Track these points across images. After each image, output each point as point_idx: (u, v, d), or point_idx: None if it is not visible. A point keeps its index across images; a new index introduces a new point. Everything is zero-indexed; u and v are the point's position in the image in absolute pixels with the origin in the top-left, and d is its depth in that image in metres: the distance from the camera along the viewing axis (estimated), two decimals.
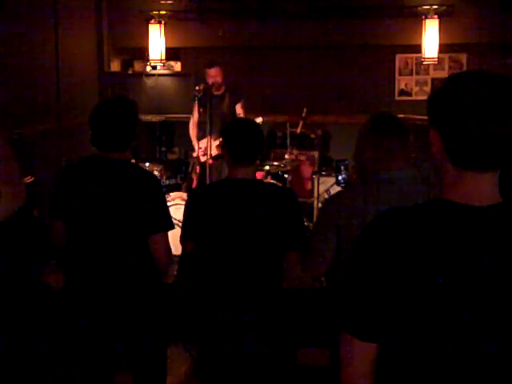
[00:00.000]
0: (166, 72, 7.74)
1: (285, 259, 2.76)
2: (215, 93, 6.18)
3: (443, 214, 1.32)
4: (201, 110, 6.17)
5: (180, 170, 6.88)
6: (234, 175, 2.80)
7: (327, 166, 7.21)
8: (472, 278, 1.27)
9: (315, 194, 6.35)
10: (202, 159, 6.14)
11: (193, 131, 6.39)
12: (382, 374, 1.39)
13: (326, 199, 2.89)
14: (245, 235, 2.70)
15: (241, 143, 2.77)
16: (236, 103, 6.23)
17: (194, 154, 6.32)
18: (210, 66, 6.17)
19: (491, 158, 1.29)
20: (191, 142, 6.45)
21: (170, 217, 2.79)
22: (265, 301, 2.74)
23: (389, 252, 1.32)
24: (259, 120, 6.18)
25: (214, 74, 6.13)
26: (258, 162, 2.84)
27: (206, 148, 5.74)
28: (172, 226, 2.79)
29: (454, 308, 1.28)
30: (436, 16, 7.19)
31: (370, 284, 1.34)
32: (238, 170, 2.78)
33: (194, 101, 6.10)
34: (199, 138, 6.24)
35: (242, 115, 6.18)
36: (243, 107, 6.24)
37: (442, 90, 1.33)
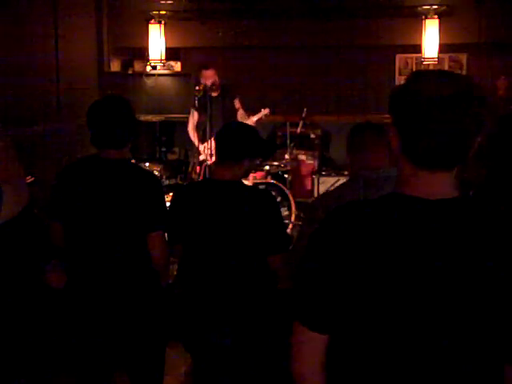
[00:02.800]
0: (166, 72, 7.74)
1: (269, 263, 2.75)
2: (213, 94, 6.18)
3: (395, 207, 1.35)
4: (195, 112, 6.15)
5: (180, 169, 6.88)
6: (215, 175, 2.81)
7: (327, 166, 7.22)
8: (420, 269, 1.29)
9: (315, 194, 6.35)
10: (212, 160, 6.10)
11: (193, 134, 6.33)
12: (334, 369, 1.40)
13: (312, 200, 2.93)
14: (222, 236, 2.69)
15: (221, 143, 2.78)
16: (233, 99, 6.21)
17: (201, 157, 6.21)
18: (207, 68, 6.15)
19: (445, 157, 1.31)
20: (192, 143, 6.43)
21: (167, 217, 2.79)
22: (251, 301, 2.74)
23: (344, 244, 1.34)
24: (266, 111, 6.17)
25: (211, 75, 6.12)
26: (244, 163, 2.80)
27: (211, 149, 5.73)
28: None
29: (403, 300, 1.30)
30: (436, 16, 7.21)
31: (323, 274, 1.36)
32: (219, 169, 2.79)
33: (195, 101, 6.10)
34: (203, 141, 6.11)
35: (240, 110, 6.18)
36: (240, 101, 6.24)
37: (401, 90, 1.35)
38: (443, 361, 1.31)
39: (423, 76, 1.36)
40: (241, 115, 6.16)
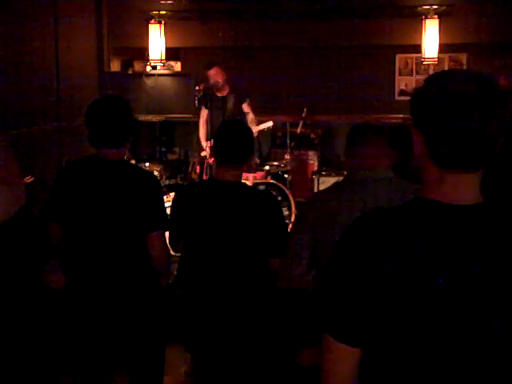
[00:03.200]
0: (165, 72, 7.74)
1: (270, 264, 2.76)
2: (219, 94, 6.18)
3: (425, 214, 1.31)
4: (206, 110, 6.18)
5: (180, 169, 6.88)
6: (219, 176, 2.80)
7: (327, 166, 7.22)
8: (455, 277, 1.26)
9: None
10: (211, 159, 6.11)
11: (202, 130, 6.35)
12: (366, 381, 1.36)
13: (306, 199, 2.95)
14: (225, 237, 2.70)
15: (225, 144, 2.77)
16: (242, 103, 6.22)
17: (203, 154, 6.24)
18: (209, 67, 6.17)
19: (472, 158, 1.28)
20: (193, 141, 6.45)
21: (166, 217, 2.79)
22: (251, 302, 2.74)
23: (372, 252, 1.30)
24: (270, 124, 6.19)
25: (213, 74, 6.13)
26: (246, 164, 2.81)
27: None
28: (169, 226, 2.80)
29: (439, 309, 1.26)
30: (436, 16, 7.20)
31: (354, 285, 1.31)
32: (222, 171, 2.78)
33: (195, 101, 6.11)
34: (208, 138, 6.12)
35: (250, 114, 6.18)
36: (250, 105, 6.24)
37: (424, 90, 1.32)
38: (482, 374, 1.28)
39: (446, 75, 1.32)
40: (250, 120, 6.13)
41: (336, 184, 2.73)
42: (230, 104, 6.22)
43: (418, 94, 1.34)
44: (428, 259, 1.27)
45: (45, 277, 2.59)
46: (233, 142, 2.76)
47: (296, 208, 6.08)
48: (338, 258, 1.36)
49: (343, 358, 1.35)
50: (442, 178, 1.31)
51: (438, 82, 1.31)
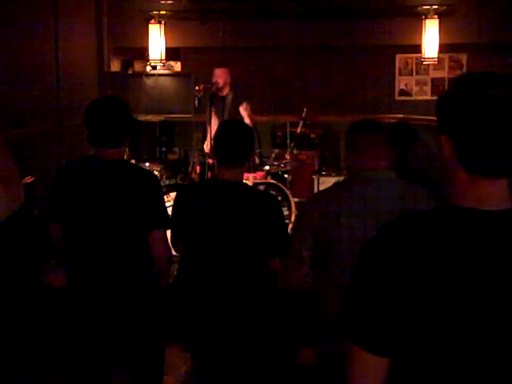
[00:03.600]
0: (165, 72, 7.74)
1: (270, 264, 2.76)
2: (219, 94, 6.18)
3: (456, 221, 1.27)
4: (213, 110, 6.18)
5: (180, 169, 6.88)
6: (220, 176, 2.79)
7: (327, 166, 7.22)
8: (487, 284, 1.23)
9: None
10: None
11: (213, 129, 6.36)
12: None
13: (304, 200, 2.95)
14: (225, 237, 2.70)
15: (225, 144, 2.77)
16: (239, 105, 6.21)
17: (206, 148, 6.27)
18: (217, 66, 6.19)
19: (503, 165, 1.25)
20: (193, 141, 6.44)
21: (168, 215, 2.79)
22: (252, 302, 2.74)
23: (403, 261, 1.26)
24: None
25: (218, 74, 6.14)
26: (246, 164, 2.81)
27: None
28: (170, 225, 2.80)
29: (471, 316, 1.23)
30: (436, 16, 7.20)
31: (385, 294, 1.27)
32: (223, 171, 2.78)
33: (195, 101, 6.11)
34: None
35: (246, 119, 6.17)
36: (246, 109, 6.21)
37: (453, 94, 1.28)
38: None
39: (473, 78, 1.28)
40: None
41: (336, 184, 2.72)
42: (229, 104, 6.22)
43: (444, 98, 1.29)
44: (462, 267, 1.24)
45: (45, 276, 2.59)
46: (232, 141, 2.76)
47: (296, 208, 6.07)
48: (368, 267, 1.32)
49: (372, 370, 1.31)
50: (472, 184, 1.28)
51: (465, 85, 1.26)
